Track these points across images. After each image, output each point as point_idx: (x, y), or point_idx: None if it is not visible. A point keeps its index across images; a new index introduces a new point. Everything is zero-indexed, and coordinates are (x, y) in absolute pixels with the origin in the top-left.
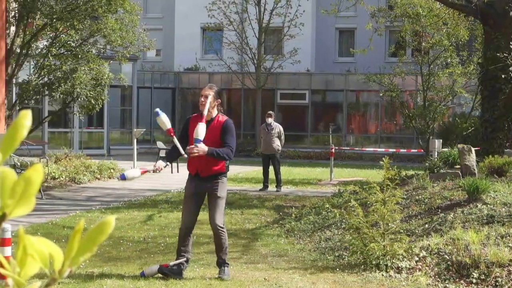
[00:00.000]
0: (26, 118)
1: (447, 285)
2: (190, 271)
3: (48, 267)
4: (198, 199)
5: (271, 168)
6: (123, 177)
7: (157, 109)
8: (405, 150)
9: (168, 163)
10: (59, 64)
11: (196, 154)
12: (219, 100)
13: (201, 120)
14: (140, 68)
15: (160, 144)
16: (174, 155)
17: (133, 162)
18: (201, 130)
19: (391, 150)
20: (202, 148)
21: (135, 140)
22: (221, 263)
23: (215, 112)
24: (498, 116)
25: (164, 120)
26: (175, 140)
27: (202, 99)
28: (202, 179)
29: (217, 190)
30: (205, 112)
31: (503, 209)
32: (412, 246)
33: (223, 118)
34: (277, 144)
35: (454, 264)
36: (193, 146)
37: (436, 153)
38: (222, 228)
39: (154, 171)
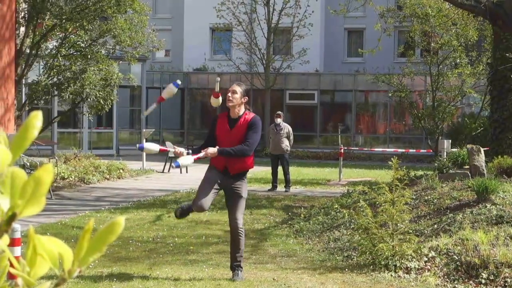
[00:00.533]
0: (37, 118)
1: (456, 286)
2: (199, 271)
3: (57, 267)
4: (216, 190)
5: (280, 168)
6: (177, 165)
7: (140, 145)
8: (414, 150)
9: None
10: (68, 65)
11: (205, 156)
12: (247, 97)
13: (223, 122)
14: (149, 68)
15: (169, 145)
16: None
17: (142, 162)
18: (187, 160)
19: (400, 150)
20: (210, 151)
21: (144, 140)
22: (235, 267)
23: (242, 110)
24: (507, 117)
25: (151, 148)
26: (154, 106)
27: (230, 95)
28: (230, 175)
29: (241, 190)
30: (217, 89)
31: None
32: (421, 247)
33: (250, 115)
34: (286, 144)
35: (463, 265)
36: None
37: (445, 154)
38: (242, 229)
39: (205, 157)
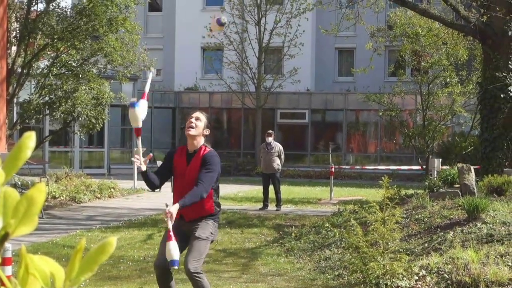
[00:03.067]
0: (30, 139)
1: None
2: None
3: (49, 286)
4: (178, 237)
5: (271, 187)
6: (176, 264)
7: (134, 100)
8: (406, 168)
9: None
10: (60, 84)
11: (169, 219)
12: (209, 130)
13: (181, 156)
14: (141, 87)
15: (160, 164)
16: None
17: (133, 181)
18: (174, 249)
19: (391, 168)
20: (172, 212)
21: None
22: None
23: (200, 143)
24: (497, 135)
25: (139, 115)
26: (139, 142)
27: (193, 121)
28: (186, 222)
29: (198, 230)
30: (147, 89)
31: (503, 228)
32: (412, 265)
33: (206, 150)
34: (277, 163)
35: (453, 283)
36: (165, 214)
37: (435, 172)
38: (197, 272)
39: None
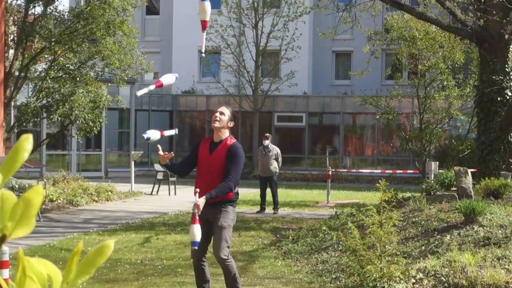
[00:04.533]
0: (27, 141)
1: None
2: None
3: None
4: (204, 226)
5: (268, 190)
6: (197, 245)
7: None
8: (402, 171)
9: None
10: (57, 87)
11: (197, 211)
12: (233, 122)
13: (205, 146)
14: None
15: (157, 167)
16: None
17: (130, 184)
18: (197, 232)
19: (388, 171)
20: (200, 204)
21: (132, 163)
22: None
23: (225, 134)
24: (494, 138)
25: (155, 137)
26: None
27: (217, 115)
28: (210, 205)
29: (219, 220)
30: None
31: (499, 231)
32: (409, 268)
33: (231, 141)
34: (274, 166)
35: (450, 286)
36: (194, 205)
37: (432, 175)
38: (227, 259)
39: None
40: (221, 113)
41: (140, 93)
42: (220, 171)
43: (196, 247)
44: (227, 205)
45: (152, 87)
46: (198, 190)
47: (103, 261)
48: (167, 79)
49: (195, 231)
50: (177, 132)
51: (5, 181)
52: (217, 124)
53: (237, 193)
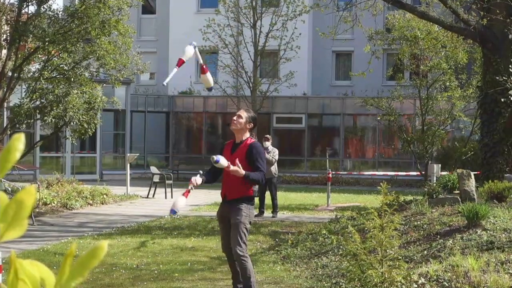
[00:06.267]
0: (19, 141)
1: None
2: None
3: None
4: (225, 223)
5: (267, 194)
6: (173, 213)
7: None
8: (404, 173)
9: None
10: (51, 88)
11: (232, 170)
12: (252, 124)
13: (228, 147)
14: (134, 91)
15: (154, 169)
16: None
17: (126, 187)
18: (180, 203)
19: (390, 173)
20: (196, 179)
21: (128, 165)
22: None
23: (246, 135)
24: (497, 140)
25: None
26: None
27: (235, 118)
28: (227, 202)
29: (234, 216)
30: (200, 59)
31: (503, 235)
32: (411, 273)
33: (250, 141)
34: (274, 167)
35: None
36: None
37: (434, 178)
38: (242, 255)
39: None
40: (238, 116)
41: (167, 80)
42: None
43: (173, 215)
44: (242, 202)
45: (175, 69)
46: (200, 171)
47: (96, 263)
48: (187, 53)
49: (179, 202)
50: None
51: None
52: (234, 127)
53: (256, 191)
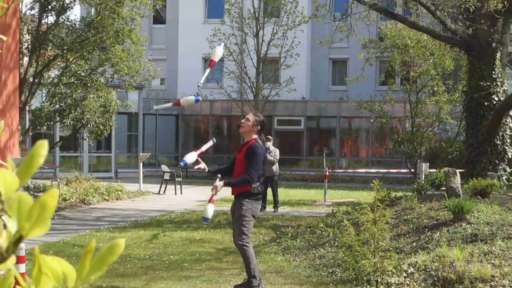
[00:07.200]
0: (43, 147)
1: None
2: (193, 287)
3: (61, 284)
4: (233, 217)
5: (269, 190)
6: (206, 221)
7: (184, 162)
8: (395, 171)
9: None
10: (69, 92)
11: (212, 188)
12: (259, 127)
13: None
14: (146, 96)
15: (164, 168)
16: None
17: (139, 184)
18: (209, 210)
19: (382, 170)
20: (217, 186)
21: (141, 164)
22: (246, 284)
23: (251, 137)
24: (481, 141)
25: (192, 160)
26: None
27: (242, 121)
28: (235, 198)
29: (236, 209)
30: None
31: (486, 228)
32: (401, 263)
33: (252, 142)
34: (275, 166)
35: (440, 280)
36: (213, 186)
37: (423, 176)
38: (242, 244)
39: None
40: (246, 119)
41: (201, 81)
42: (241, 167)
43: (206, 223)
44: (243, 197)
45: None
46: (219, 175)
47: (114, 259)
48: (217, 54)
49: (208, 209)
50: (214, 141)
51: (22, 184)
52: (241, 129)
53: (256, 188)
